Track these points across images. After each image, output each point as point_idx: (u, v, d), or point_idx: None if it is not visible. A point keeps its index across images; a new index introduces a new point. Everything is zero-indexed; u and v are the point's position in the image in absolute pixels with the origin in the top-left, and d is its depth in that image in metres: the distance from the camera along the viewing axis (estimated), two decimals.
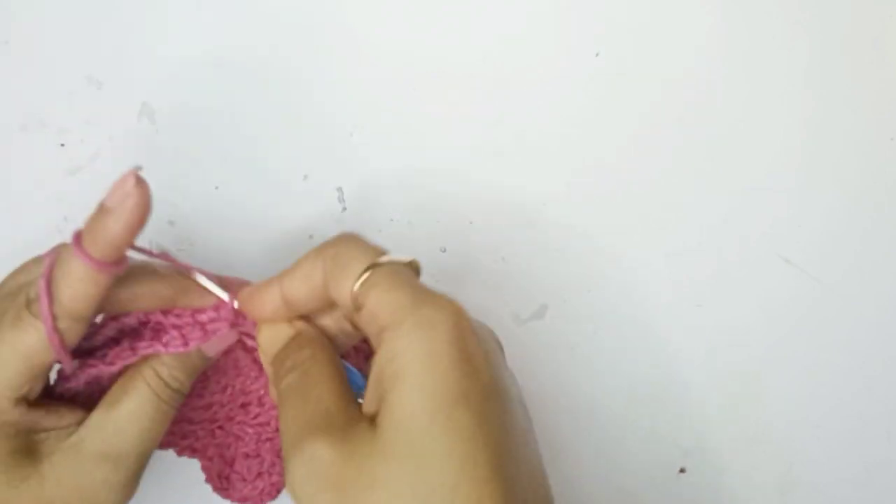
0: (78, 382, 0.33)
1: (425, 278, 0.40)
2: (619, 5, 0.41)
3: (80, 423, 0.32)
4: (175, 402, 0.33)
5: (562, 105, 0.41)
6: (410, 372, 0.26)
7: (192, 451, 0.37)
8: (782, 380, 0.41)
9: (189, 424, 0.36)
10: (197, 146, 0.40)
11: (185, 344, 0.32)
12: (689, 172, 0.41)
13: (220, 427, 0.37)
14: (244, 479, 0.37)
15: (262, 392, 0.36)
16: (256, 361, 0.35)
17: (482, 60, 0.41)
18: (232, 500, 0.37)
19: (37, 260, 0.34)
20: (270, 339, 0.32)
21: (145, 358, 0.33)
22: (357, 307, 0.29)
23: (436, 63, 0.41)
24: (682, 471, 0.41)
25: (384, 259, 0.30)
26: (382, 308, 0.28)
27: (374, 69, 0.40)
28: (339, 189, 0.41)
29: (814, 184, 0.41)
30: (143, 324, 0.33)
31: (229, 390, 0.36)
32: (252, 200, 0.40)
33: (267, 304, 0.32)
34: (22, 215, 0.41)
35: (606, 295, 0.41)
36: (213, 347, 0.34)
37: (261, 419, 0.36)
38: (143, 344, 0.32)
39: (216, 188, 0.40)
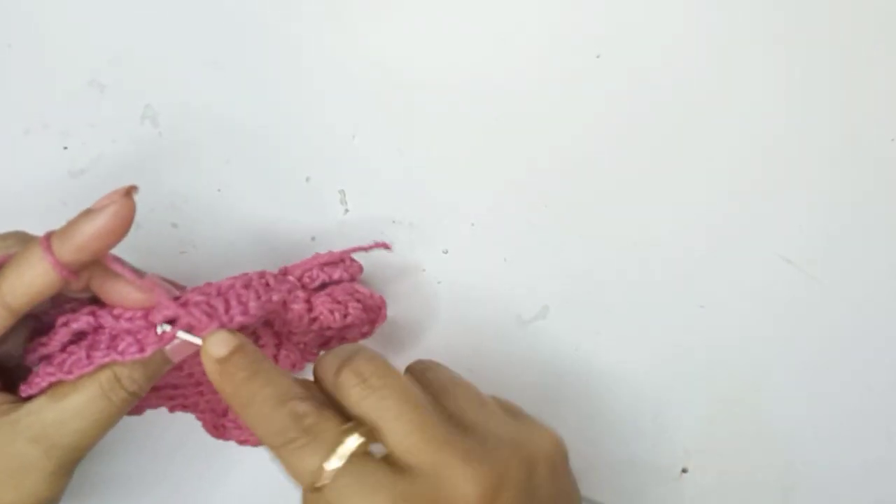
0: (35, 391, 0.32)
1: (428, 280, 0.41)
2: (621, 7, 0.41)
3: (15, 402, 0.32)
4: (127, 405, 0.32)
5: (563, 106, 0.41)
6: None
7: (184, 408, 0.38)
8: (783, 379, 0.42)
9: (173, 389, 0.37)
10: (199, 149, 0.40)
11: (142, 350, 0.32)
12: (690, 173, 0.41)
13: (207, 386, 0.37)
14: (239, 427, 0.38)
15: None
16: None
17: (483, 62, 0.41)
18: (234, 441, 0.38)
19: None
20: (212, 347, 0.32)
21: None
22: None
23: (437, 65, 0.41)
24: (684, 471, 0.42)
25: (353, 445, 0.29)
26: None
27: (375, 72, 0.41)
28: (342, 191, 0.41)
29: (814, 184, 0.41)
30: (97, 329, 0.33)
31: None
32: (254, 203, 0.41)
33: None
34: (25, 217, 0.40)
35: (609, 296, 0.41)
36: (177, 353, 0.33)
37: None
38: (98, 354, 0.32)
39: (218, 190, 0.41)
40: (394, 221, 0.41)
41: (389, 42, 0.41)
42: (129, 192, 0.29)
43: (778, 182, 0.41)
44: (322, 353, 0.33)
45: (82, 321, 0.32)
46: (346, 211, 0.41)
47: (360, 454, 0.28)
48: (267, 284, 0.35)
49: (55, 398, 0.31)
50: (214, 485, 0.45)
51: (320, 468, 0.28)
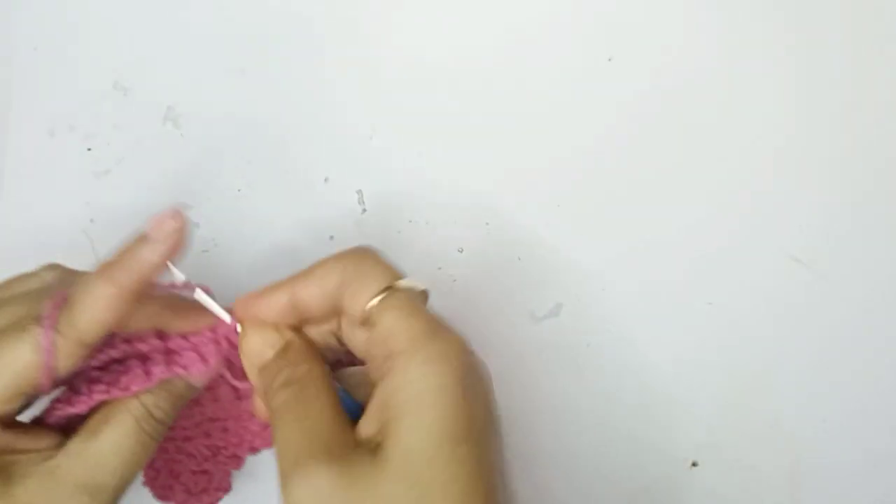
0: (84, 408, 0.32)
1: (444, 278, 0.42)
2: (633, 10, 0.41)
3: (57, 448, 0.31)
4: (158, 434, 0.32)
5: (576, 108, 0.42)
6: (421, 404, 0.27)
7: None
8: (790, 375, 0.42)
9: None
10: (220, 150, 0.41)
11: (206, 362, 0.32)
12: (700, 174, 0.42)
13: (176, 445, 0.36)
14: (189, 492, 0.37)
15: (228, 423, 0.36)
16: (239, 398, 0.35)
17: (497, 65, 0.42)
18: None
19: (26, 276, 0.33)
20: (257, 346, 0.31)
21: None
22: (366, 323, 0.29)
23: (452, 67, 0.41)
24: (694, 464, 0.42)
25: (402, 283, 0.30)
26: (397, 333, 0.28)
27: (392, 74, 0.41)
28: (359, 191, 0.41)
29: (821, 183, 0.42)
30: (146, 351, 0.32)
31: (197, 418, 0.36)
32: (274, 202, 0.41)
33: (273, 305, 0.31)
34: (50, 218, 0.41)
35: (620, 293, 0.42)
36: (203, 376, 0.33)
37: (218, 443, 0.36)
38: (158, 369, 0.31)
39: (239, 191, 0.41)
40: (410, 221, 0.42)
41: (406, 46, 0.42)
42: (183, 217, 0.30)
43: (786, 182, 0.42)
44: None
45: (149, 342, 0.32)
46: (364, 210, 0.42)
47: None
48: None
49: (89, 437, 0.31)
50: None
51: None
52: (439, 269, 0.42)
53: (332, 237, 0.41)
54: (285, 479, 0.27)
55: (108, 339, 0.32)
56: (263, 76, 0.41)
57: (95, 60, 0.41)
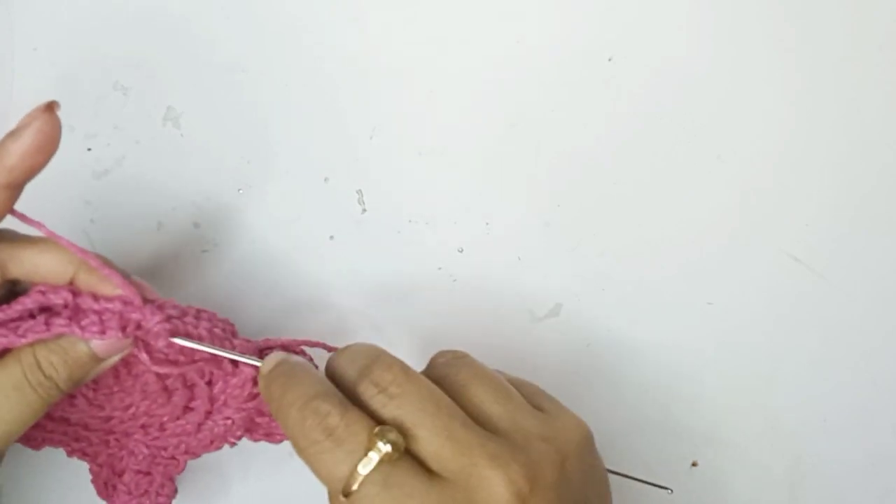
0: None
1: (444, 278, 0.42)
2: (633, 10, 0.41)
3: None
4: (45, 393, 0.31)
5: (575, 108, 0.42)
6: None
7: (83, 455, 0.36)
8: (790, 375, 0.42)
9: (84, 430, 0.36)
10: (220, 149, 0.41)
11: (103, 332, 0.31)
12: (700, 173, 0.42)
13: (116, 439, 0.36)
14: (130, 493, 0.36)
15: (165, 418, 0.35)
16: (166, 389, 0.35)
17: (497, 66, 0.42)
18: None
19: None
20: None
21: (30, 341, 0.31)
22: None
23: (452, 69, 0.42)
24: (694, 464, 0.42)
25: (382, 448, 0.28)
26: None
27: (392, 74, 0.41)
28: (359, 191, 0.42)
29: (820, 183, 0.42)
30: (57, 305, 0.31)
31: (132, 409, 0.35)
32: (274, 202, 0.41)
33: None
34: (49, 218, 0.41)
35: (620, 293, 0.42)
36: (108, 348, 0.32)
37: (158, 443, 0.36)
38: (59, 322, 0.31)
39: (239, 190, 0.41)
40: (410, 220, 0.42)
41: (406, 45, 0.42)
42: (51, 106, 0.29)
43: (786, 181, 0.42)
44: (332, 354, 0.32)
45: (61, 294, 0.31)
46: (364, 210, 0.42)
47: (389, 460, 0.28)
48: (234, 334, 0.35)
49: None
50: None
51: (350, 473, 0.28)
52: (439, 269, 0.42)
53: (332, 237, 0.41)
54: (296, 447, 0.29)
55: (26, 290, 0.32)
56: (263, 77, 0.41)
57: (95, 60, 0.41)
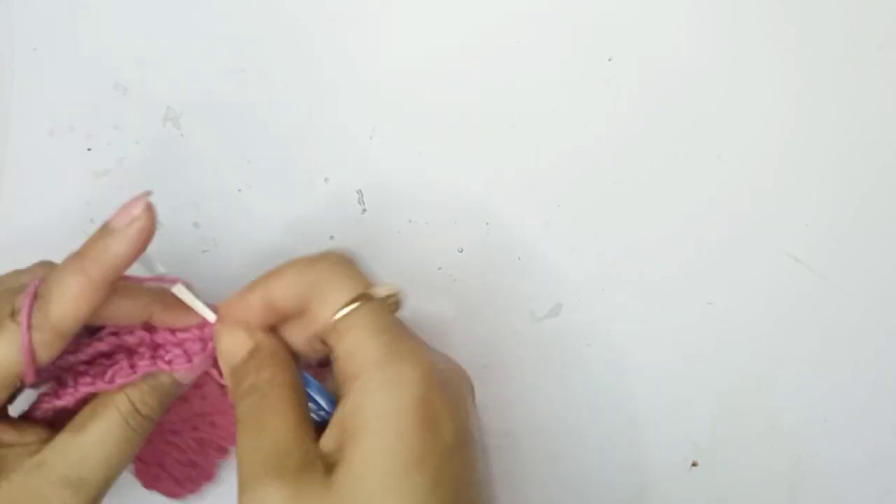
0: (70, 401, 0.32)
1: (444, 278, 0.42)
2: (633, 10, 0.41)
3: (43, 442, 0.31)
4: (143, 430, 0.32)
5: (575, 108, 0.42)
6: (374, 430, 0.26)
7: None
8: (790, 375, 0.42)
9: None
10: (220, 149, 0.41)
11: (189, 361, 0.31)
12: (700, 173, 0.42)
13: (164, 437, 0.36)
14: (176, 481, 0.37)
15: (215, 417, 0.36)
16: (226, 396, 0.35)
17: (497, 65, 0.42)
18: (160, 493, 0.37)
19: (17, 272, 0.33)
20: (229, 348, 0.32)
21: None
22: (332, 335, 0.29)
23: (453, 67, 0.42)
24: (694, 464, 0.42)
25: (374, 291, 0.30)
26: (359, 353, 0.28)
27: (392, 74, 0.41)
28: (360, 191, 0.42)
29: (820, 183, 0.42)
30: (133, 345, 0.32)
31: (185, 413, 0.36)
32: (274, 202, 0.41)
33: (246, 304, 0.31)
34: (49, 218, 0.41)
35: (620, 293, 0.42)
36: (189, 374, 0.33)
37: (205, 436, 0.36)
38: (143, 363, 0.31)
39: (239, 190, 0.41)
40: (410, 220, 0.42)
41: (406, 45, 0.42)
42: (149, 205, 0.29)
43: (786, 181, 0.42)
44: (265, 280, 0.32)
45: (136, 334, 0.32)
46: (364, 210, 0.42)
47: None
48: None
49: (76, 432, 0.31)
50: None
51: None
52: (439, 269, 0.42)
53: (332, 237, 0.41)
54: (239, 491, 0.27)
55: (97, 332, 0.32)
56: (263, 77, 0.41)
57: (95, 60, 0.41)
